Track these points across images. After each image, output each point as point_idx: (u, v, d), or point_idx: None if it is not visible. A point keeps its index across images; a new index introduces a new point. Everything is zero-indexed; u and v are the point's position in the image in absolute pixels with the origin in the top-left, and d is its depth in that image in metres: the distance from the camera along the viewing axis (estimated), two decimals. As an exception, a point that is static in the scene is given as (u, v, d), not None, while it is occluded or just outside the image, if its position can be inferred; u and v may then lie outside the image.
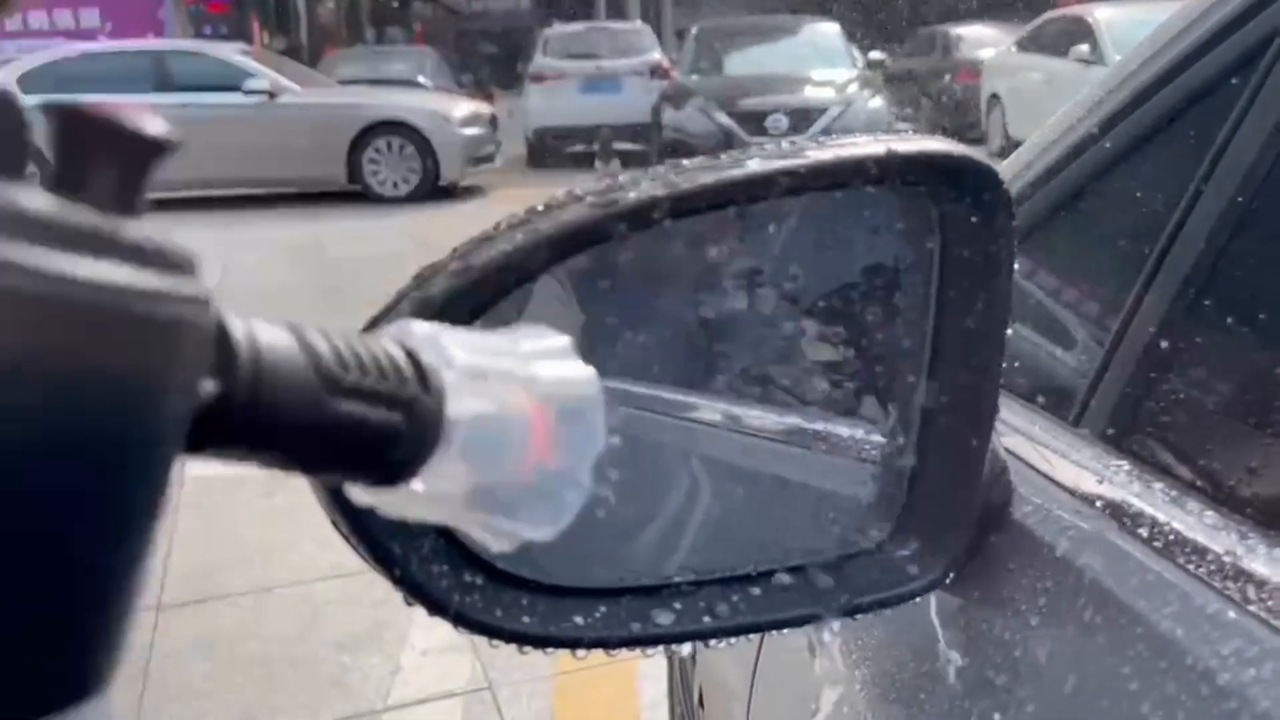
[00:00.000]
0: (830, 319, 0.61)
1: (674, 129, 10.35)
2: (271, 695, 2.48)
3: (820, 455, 0.63)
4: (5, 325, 0.22)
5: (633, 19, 16.43)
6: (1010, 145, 11.11)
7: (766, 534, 0.63)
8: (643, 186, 0.43)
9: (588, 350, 0.67)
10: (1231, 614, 0.46)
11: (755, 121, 9.78)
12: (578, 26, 13.66)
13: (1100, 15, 9.87)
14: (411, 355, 0.34)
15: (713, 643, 0.52)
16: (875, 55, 12.27)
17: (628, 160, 10.30)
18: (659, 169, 0.45)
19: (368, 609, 2.81)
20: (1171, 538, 0.53)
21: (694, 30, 12.41)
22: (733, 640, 0.52)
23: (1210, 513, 0.54)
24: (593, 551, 0.55)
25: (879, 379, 0.59)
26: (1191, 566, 0.50)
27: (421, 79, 13.37)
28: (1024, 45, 11.39)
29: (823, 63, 10.77)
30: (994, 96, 11.71)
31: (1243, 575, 0.48)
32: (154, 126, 0.26)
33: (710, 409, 0.67)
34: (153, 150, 0.26)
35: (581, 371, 0.37)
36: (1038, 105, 10.27)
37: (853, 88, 10.25)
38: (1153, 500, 0.57)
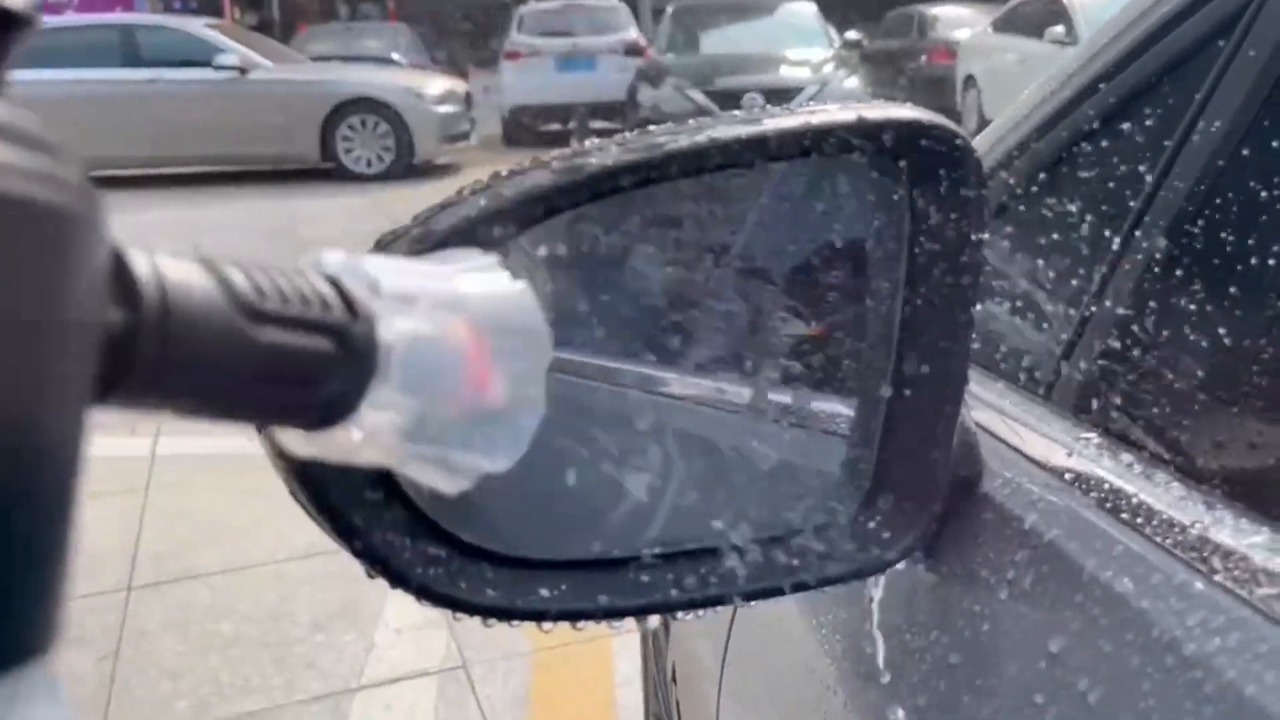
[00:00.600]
0: (800, 291, 0.61)
1: (650, 108, 10.32)
2: (244, 674, 2.47)
3: (791, 429, 0.63)
4: None
5: (609, -4, 16.34)
6: (986, 126, 11.13)
7: (735, 507, 0.62)
8: (610, 152, 0.43)
9: (554, 324, 0.66)
10: (1199, 584, 0.47)
11: (732, 100, 9.75)
12: (553, 4, 13.56)
13: (1075, -4, 9.90)
14: (334, 282, 0.32)
15: (681, 615, 0.52)
16: (851, 35, 12.26)
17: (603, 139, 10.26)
18: (626, 135, 0.45)
19: (341, 588, 2.80)
20: (1139, 510, 0.53)
21: (670, 9, 12.35)
22: (701, 613, 0.52)
23: (1178, 485, 0.54)
24: (559, 524, 0.54)
25: (849, 352, 0.59)
26: (1159, 538, 0.50)
27: (395, 56, 13.26)
28: (999, 26, 11.41)
29: (799, 42, 10.76)
30: (969, 78, 11.74)
31: (1209, 546, 0.48)
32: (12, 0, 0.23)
33: (679, 383, 0.66)
34: (11, 24, 0.23)
35: (512, 285, 0.36)
36: (1013, 86, 10.29)
37: (829, 67, 10.25)
38: (1121, 473, 0.57)
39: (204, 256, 0.29)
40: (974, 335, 0.58)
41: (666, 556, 0.51)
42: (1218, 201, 0.62)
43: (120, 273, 0.26)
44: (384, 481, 0.41)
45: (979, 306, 0.57)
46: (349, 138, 10.33)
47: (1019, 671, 0.54)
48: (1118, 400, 0.64)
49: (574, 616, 0.48)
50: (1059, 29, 9.82)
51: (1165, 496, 0.53)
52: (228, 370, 0.29)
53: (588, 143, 0.44)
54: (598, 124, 12.02)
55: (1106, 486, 0.56)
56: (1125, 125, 0.72)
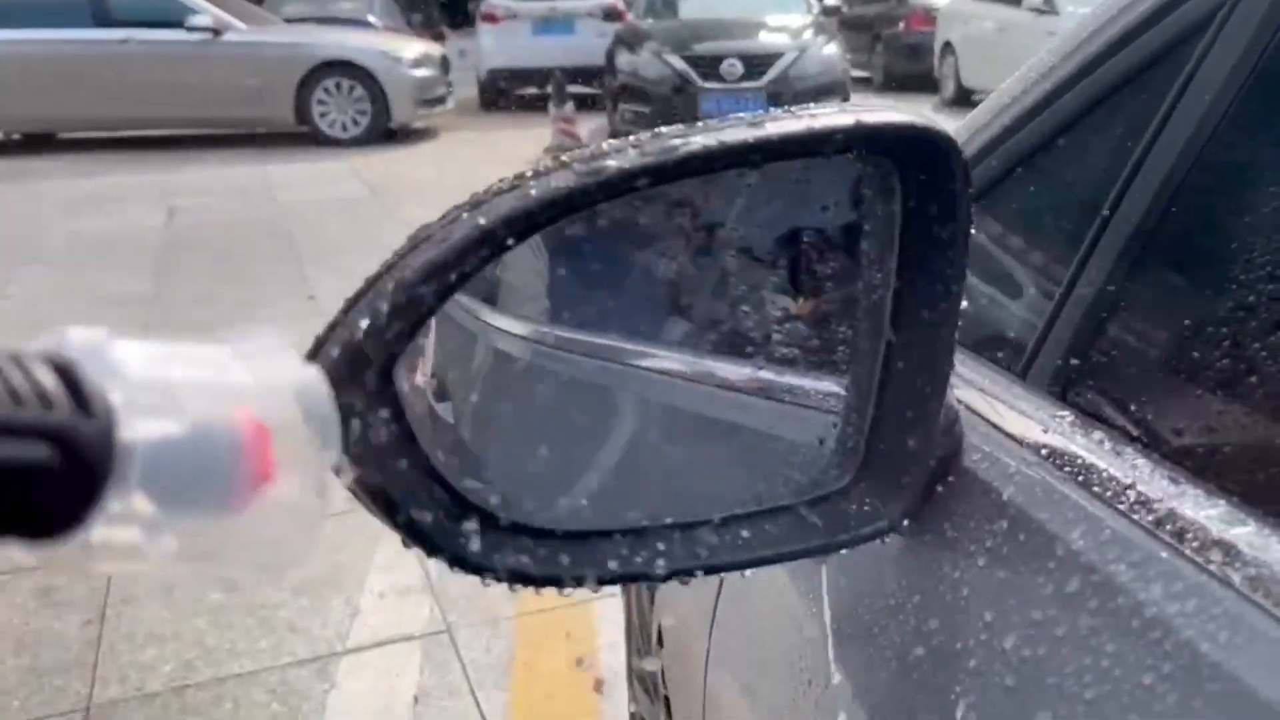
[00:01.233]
0: (796, 277, 0.64)
1: (628, 72, 10.26)
2: (230, 638, 2.50)
3: (784, 406, 0.66)
4: None
5: (587, -41, 16.14)
6: (962, 93, 11.18)
7: (730, 481, 0.66)
8: (628, 155, 0.46)
9: (557, 304, 0.71)
10: (1163, 554, 0.50)
11: (710, 66, 9.72)
12: (531, -35, 13.41)
13: (1054, -35, 9.90)
14: (65, 371, 0.28)
15: (688, 580, 0.55)
16: (830, 1, 12.21)
17: (581, 104, 10.20)
18: (639, 137, 0.47)
19: (326, 553, 2.83)
20: (1109, 484, 0.57)
21: (649, -28, 12.24)
22: (692, 580, 0.56)
23: (1144, 460, 0.58)
24: (571, 495, 0.58)
25: (840, 333, 0.63)
26: (1126, 510, 0.54)
27: (370, 18, 13.08)
28: (978, -7, 11.40)
29: (778, 8, 10.70)
30: (947, 44, 11.74)
31: (1172, 518, 0.52)
32: None
33: (677, 362, 0.69)
34: None
35: (302, 370, 0.32)
36: (991, 54, 10.32)
37: (808, 34, 10.21)
38: (1093, 449, 0.60)
39: None
40: (959, 318, 0.61)
41: (672, 526, 0.55)
42: (1188, 193, 0.66)
43: None
44: (421, 459, 0.45)
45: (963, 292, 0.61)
46: (324, 101, 10.23)
47: (995, 635, 0.58)
48: (1091, 380, 0.68)
49: (593, 581, 0.51)
50: (1037, -2, 9.84)
51: (1133, 471, 0.57)
52: None
53: (605, 144, 0.47)
54: (576, 88, 11.95)
55: (1079, 462, 0.59)
56: (1103, 118, 0.75)
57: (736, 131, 0.48)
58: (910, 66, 12.75)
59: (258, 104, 10.12)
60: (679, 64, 9.91)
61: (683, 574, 0.53)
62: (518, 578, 0.48)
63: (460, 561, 0.46)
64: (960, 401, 0.68)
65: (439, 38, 14.27)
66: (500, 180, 0.46)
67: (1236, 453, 0.59)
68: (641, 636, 1.58)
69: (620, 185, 0.45)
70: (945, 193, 0.53)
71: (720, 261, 0.67)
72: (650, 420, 0.71)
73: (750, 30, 10.26)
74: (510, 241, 0.43)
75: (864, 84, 13.36)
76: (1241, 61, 0.65)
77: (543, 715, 2.27)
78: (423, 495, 0.45)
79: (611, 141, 0.47)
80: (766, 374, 0.67)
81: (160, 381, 0.29)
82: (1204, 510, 0.51)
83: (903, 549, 0.66)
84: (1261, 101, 0.64)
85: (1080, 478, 0.58)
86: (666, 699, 1.36)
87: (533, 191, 0.44)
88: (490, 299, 0.74)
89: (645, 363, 0.69)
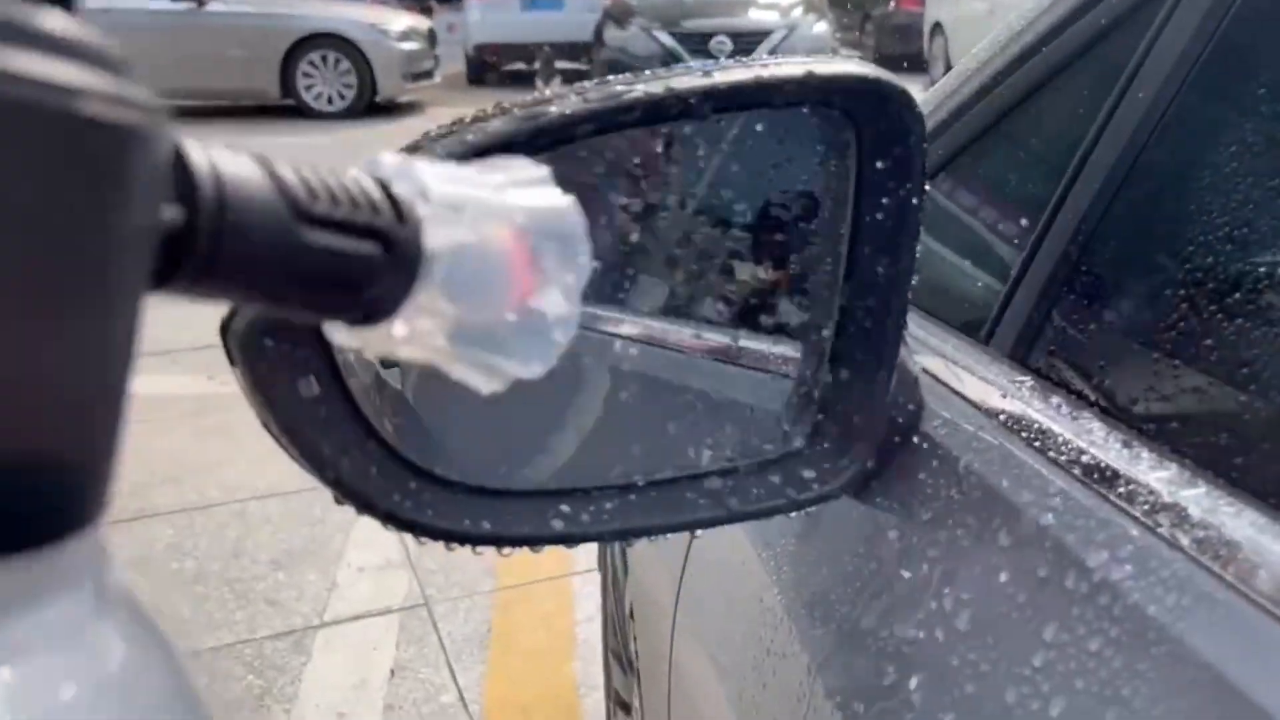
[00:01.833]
0: (752, 238, 0.63)
1: (616, 48, 10.21)
2: (207, 612, 2.49)
3: (740, 370, 0.66)
4: None
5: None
6: (951, 74, 11.14)
7: (688, 442, 0.65)
8: (569, 100, 0.45)
9: None
10: (1116, 518, 0.50)
11: (699, 42, 9.68)
12: (519, -60, 13.30)
13: (1044, -56, 9.87)
14: (384, 186, 0.33)
15: (636, 541, 0.54)
16: (821, -21, 12.16)
17: (569, 79, 10.15)
18: (585, 84, 0.46)
19: (304, 527, 2.82)
20: (1065, 448, 0.56)
21: (638, -52, 12.17)
22: (653, 538, 0.55)
23: (1101, 425, 0.57)
24: (518, 456, 0.57)
25: (797, 296, 0.62)
26: (1081, 474, 0.54)
27: (357, -10, 12.97)
28: (968, -27, 11.36)
29: (767, -15, 10.66)
30: (937, 24, 11.70)
31: (1124, 481, 0.51)
32: None
33: (635, 324, 0.68)
34: None
35: (560, 199, 0.36)
36: (980, 34, 10.21)
37: (797, 11, 10.17)
38: (1050, 414, 0.60)
39: (259, 155, 0.30)
40: (922, 284, 0.61)
41: (621, 487, 0.54)
42: (1147, 162, 0.65)
43: (179, 169, 0.28)
44: (354, 415, 0.44)
45: (924, 255, 0.60)
46: (310, 74, 10.14)
47: (952, 596, 0.57)
48: (1052, 346, 0.67)
49: (533, 541, 0.50)
50: (1027, -23, 9.82)
51: (1088, 436, 0.56)
52: (276, 269, 0.30)
53: (549, 91, 0.46)
54: (564, 64, 11.88)
55: (1036, 427, 0.59)
56: (1065, 85, 0.75)
57: (683, 80, 0.47)
58: (900, 46, 12.70)
59: (242, 76, 10.03)
60: (667, 40, 9.87)
61: (631, 534, 0.53)
62: (454, 536, 0.47)
63: (392, 518, 0.46)
64: (923, 368, 0.67)
65: (426, 11, 14.15)
66: (438, 125, 0.44)
67: (1190, 417, 0.58)
68: (616, 610, 1.58)
69: (561, 131, 0.44)
70: (900, 149, 0.52)
71: (681, 228, 0.66)
72: (606, 383, 0.70)
73: (739, 7, 10.21)
74: None
75: (853, 63, 13.30)
76: (1201, 27, 0.64)
77: (519, 688, 2.27)
78: (355, 452, 0.44)
79: (557, 88, 0.45)
80: (724, 338, 0.66)
81: (454, 198, 0.34)
82: (1155, 473, 0.51)
83: (862, 515, 0.66)
84: (1222, 67, 0.63)
85: (1037, 443, 0.58)
86: (639, 672, 1.36)
87: (469, 137, 0.43)
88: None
89: (604, 326, 0.68)
